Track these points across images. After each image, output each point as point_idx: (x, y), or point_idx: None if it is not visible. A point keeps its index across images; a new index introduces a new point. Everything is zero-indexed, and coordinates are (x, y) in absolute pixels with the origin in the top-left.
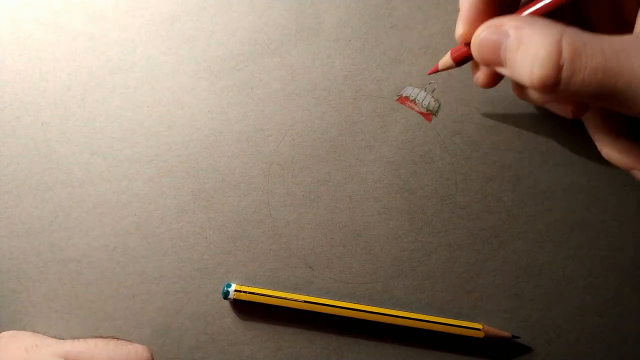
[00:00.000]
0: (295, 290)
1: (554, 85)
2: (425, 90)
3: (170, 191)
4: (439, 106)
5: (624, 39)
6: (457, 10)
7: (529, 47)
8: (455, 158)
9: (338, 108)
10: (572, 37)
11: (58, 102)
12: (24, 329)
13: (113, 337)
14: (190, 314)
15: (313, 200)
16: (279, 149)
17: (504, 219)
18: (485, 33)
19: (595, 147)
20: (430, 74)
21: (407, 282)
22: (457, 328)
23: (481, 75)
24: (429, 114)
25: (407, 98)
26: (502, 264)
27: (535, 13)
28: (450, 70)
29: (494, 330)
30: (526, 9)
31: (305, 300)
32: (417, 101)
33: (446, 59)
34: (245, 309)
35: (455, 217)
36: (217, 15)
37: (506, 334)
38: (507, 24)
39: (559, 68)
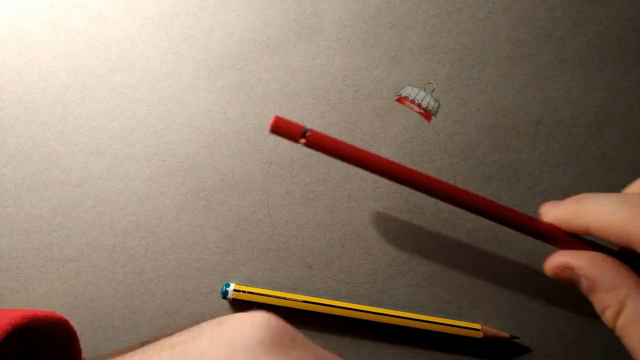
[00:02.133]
0: (294, 290)
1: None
2: (424, 90)
3: (170, 190)
4: (439, 106)
5: None
6: (457, 11)
7: (599, 301)
8: (454, 158)
9: (337, 108)
10: (633, 307)
11: (57, 101)
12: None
13: None
14: (189, 313)
15: (312, 200)
16: (278, 149)
17: None
18: (557, 271)
19: (595, 148)
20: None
21: (407, 282)
22: (457, 328)
23: None
24: (428, 113)
25: (406, 98)
26: (501, 264)
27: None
28: (449, 71)
29: (493, 331)
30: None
31: (304, 300)
32: (416, 101)
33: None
34: (244, 308)
35: (455, 217)
36: (217, 15)
37: (505, 334)
38: (580, 270)
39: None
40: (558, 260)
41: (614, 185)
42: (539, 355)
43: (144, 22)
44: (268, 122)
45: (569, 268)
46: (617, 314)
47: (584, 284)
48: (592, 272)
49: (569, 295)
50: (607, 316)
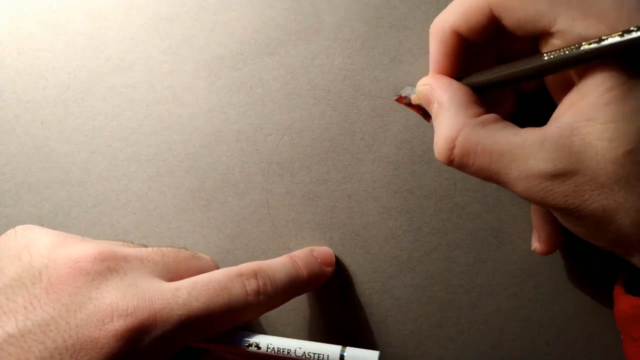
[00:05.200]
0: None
1: (448, 163)
2: None
3: (170, 190)
4: None
5: (515, 140)
6: None
7: (437, 127)
8: None
9: (337, 107)
10: (467, 137)
11: (57, 101)
12: None
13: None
14: None
15: (312, 200)
16: (278, 149)
17: (503, 219)
18: (421, 88)
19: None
20: (413, 107)
21: (406, 281)
22: None
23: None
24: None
25: (406, 98)
26: (501, 264)
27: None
28: None
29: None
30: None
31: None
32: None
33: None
34: None
35: (455, 216)
36: (217, 15)
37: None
38: (435, 92)
39: (450, 158)
40: (426, 79)
41: None
42: (540, 354)
43: (143, 22)
44: (268, 122)
45: (429, 88)
46: (449, 145)
47: (434, 108)
48: (442, 96)
49: (569, 294)
50: (438, 145)
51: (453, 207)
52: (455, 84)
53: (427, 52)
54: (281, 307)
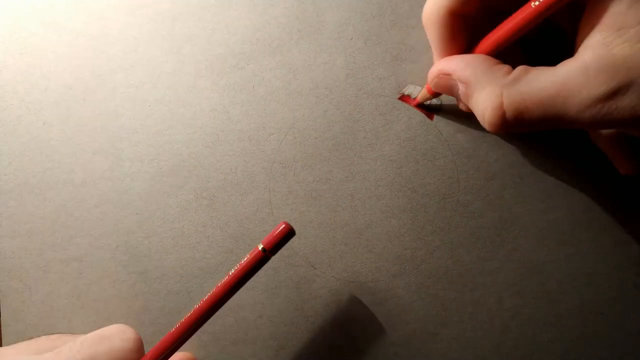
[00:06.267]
0: (297, 288)
1: (504, 130)
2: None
3: (172, 190)
4: (441, 104)
5: (558, 80)
6: None
7: (476, 104)
8: (457, 156)
9: (340, 106)
10: (512, 97)
11: (59, 101)
12: (25, 328)
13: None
14: None
15: (315, 199)
16: (281, 148)
17: (506, 217)
18: (436, 80)
19: (598, 146)
20: (416, 105)
21: (410, 280)
22: None
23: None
24: (430, 111)
25: (409, 96)
26: (504, 262)
27: (490, 47)
28: None
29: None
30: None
31: None
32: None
33: (423, 92)
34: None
35: (458, 215)
36: (219, 14)
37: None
38: (455, 74)
39: (505, 123)
40: (436, 68)
41: (618, 182)
42: (542, 353)
43: (145, 22)
44: (270, 122)
45: (445, 75)
46: (498, 112)
47: (460, 91)
48: (464, 74)
49: (573, 293)
50: (487, 118)
51: (456, 206)
52: (468, 56)
53: (429, 50)
54: (283, 308)
